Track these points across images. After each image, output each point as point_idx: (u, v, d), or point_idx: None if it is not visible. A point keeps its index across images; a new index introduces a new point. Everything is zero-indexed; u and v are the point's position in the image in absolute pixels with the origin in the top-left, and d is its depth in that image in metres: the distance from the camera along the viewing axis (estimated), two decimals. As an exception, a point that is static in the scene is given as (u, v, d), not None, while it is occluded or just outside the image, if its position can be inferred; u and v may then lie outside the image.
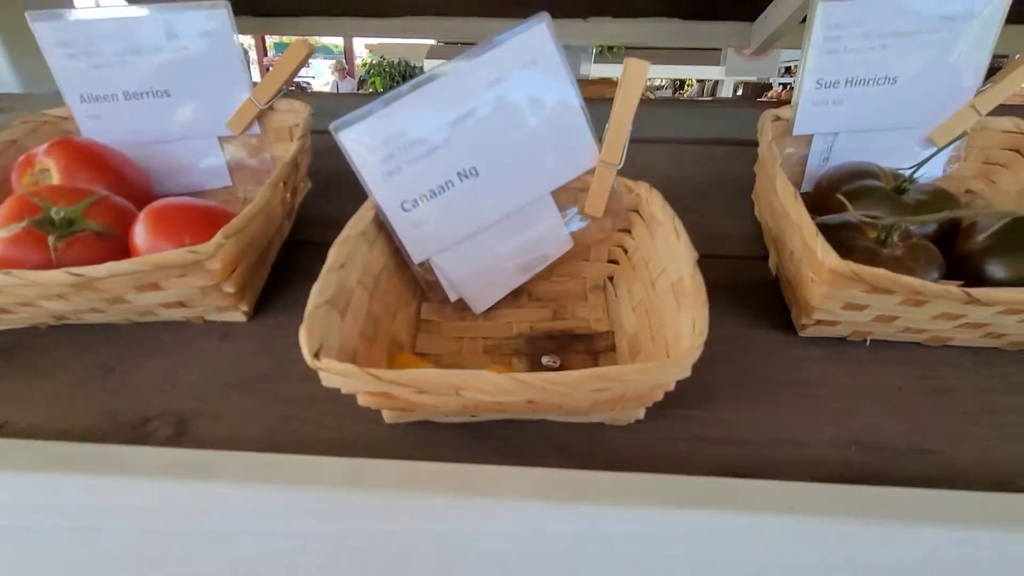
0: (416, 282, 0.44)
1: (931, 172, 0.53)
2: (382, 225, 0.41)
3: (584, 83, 1.23)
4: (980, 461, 0.35)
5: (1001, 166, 0.52)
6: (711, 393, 0.39)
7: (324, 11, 1.22)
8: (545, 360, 0.41)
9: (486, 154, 0.40)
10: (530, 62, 0.38)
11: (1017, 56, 0.49)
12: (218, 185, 0.56)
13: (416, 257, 0.42)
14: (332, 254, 0.35)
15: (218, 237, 0.36)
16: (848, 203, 0.45)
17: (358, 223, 0.39)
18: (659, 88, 6.47)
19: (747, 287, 0.47)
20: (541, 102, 0.40)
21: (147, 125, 0.52)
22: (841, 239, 0.40)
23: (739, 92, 6.29)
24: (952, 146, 0.52)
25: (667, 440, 0.36)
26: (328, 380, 0.29)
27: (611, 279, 0.46)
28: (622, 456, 0.35)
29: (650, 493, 0.31)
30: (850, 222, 0.41)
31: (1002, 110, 0.50)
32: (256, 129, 0.54)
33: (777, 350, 0.42)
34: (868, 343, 0.42)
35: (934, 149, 0.50)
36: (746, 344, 0.42)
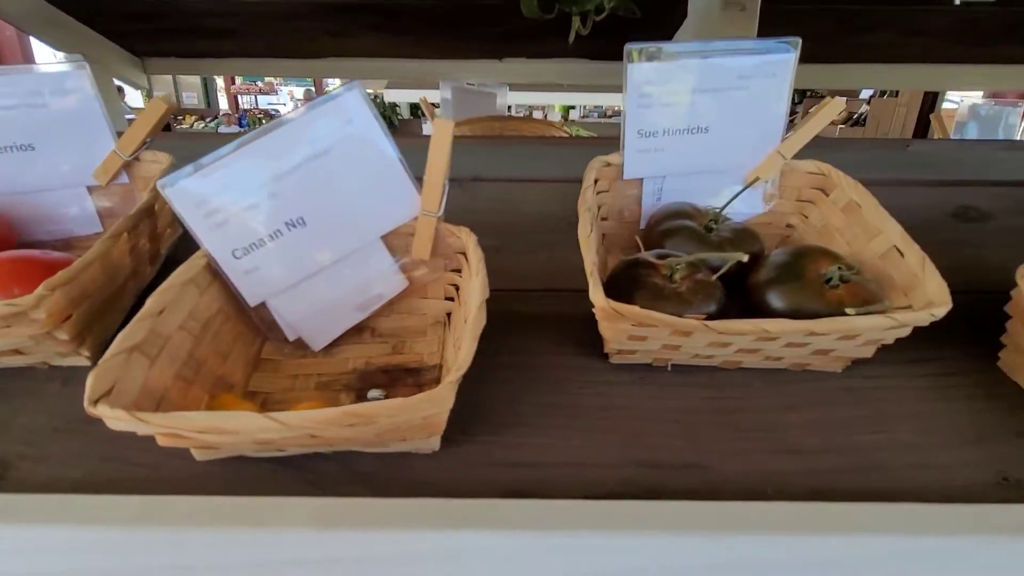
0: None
1: (752, 210, 0.58)
2: (217, 271, 0.44)
3: (501, 120, 1.29)
4: (744, 473, 0.39)
5: (810, 203, 0.57)
6: (518, 419, 0.42)
7: (248, 53, 1.26)
8: (371, 394, 0.44)
9: (312, 206, 0.44)
10: (346, 123, 0.42)
11: (814, 108, 0.55)
12: (90, 231, 0.58)
13: (251, 301, 0.45)
14: (149, 302, 0.38)
15: (41, 289, 0.38)
16: (662, 239, 0.50)
17: (186, 271, 0.42)
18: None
19: (578, 319, 0.51)
20: (360, 158, 0.43)
21: (13, 176, 0.55)
22: (637, 275, 0.45)
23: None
24: (767, 185, 0.58)
25: (465, 465, 0.39)
26: (111, 424, 0.31)
27: (449, 315, 0.50)
28: (420, 482, 0.38)
29: (422, 517, 0.34)
30: (646, 260, 0.45)
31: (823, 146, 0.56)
32: (124, 179, 0.57)
33: (590, 377, 0.46)
34: (669, 368, 0.46)
35: (737, 187, 0.56)
36: (562, 372, 0.46)
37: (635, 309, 0.37)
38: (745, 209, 0.58)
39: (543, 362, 0.47)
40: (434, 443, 0.38)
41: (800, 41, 0.52)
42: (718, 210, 0.52)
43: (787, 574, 0.35)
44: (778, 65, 0.52)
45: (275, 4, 1.14)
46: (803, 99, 4.97)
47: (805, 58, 0.54)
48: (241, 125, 7.11)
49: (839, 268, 0.43)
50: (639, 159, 0.55)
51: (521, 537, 0.33)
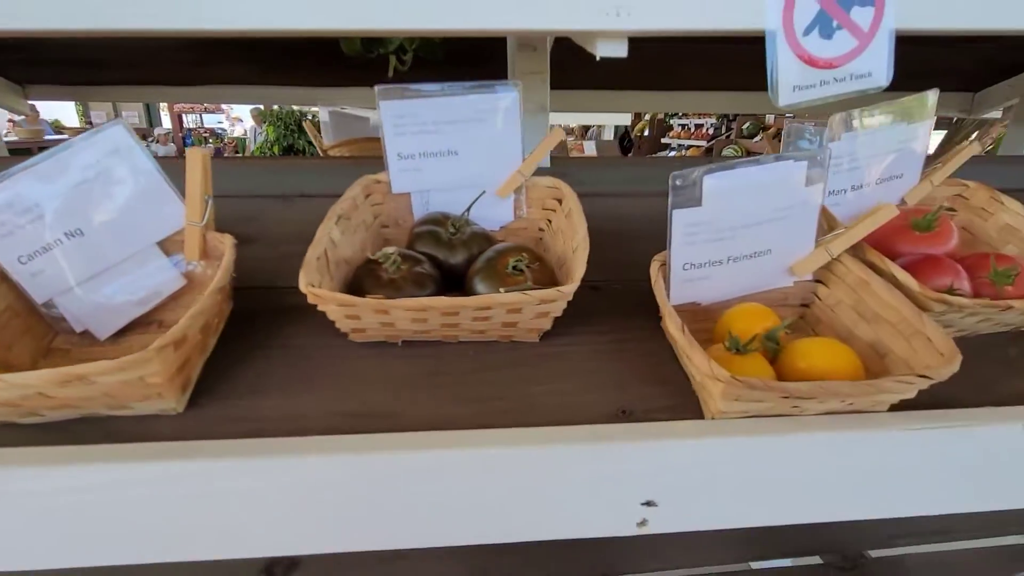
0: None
1: (504, 218, 0.71)
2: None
3: (375, 140, 1.41)
4: (425, 417, 0.50)
5: (552, 211, 0.71)
6: (261, 388, 0.52)
7: (125, 81, 1.33)
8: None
9: (87, 218, 0.53)
10: (113, 151, 0.52)
11: (543, 139, 0.68)
12: None
13: (38, 299, 0.53)
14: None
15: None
16: (413, 242, 0.61)
17: (-28, 274, 0.50)
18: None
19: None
20: (127, 179, 0.53)
21: None
22: (369, 270, 0.56)
23: (646, 132, 6.99)
24: (515, 198, 0.71)
25: (202, 423, 0.49)
26: None
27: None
28: (163, 435, 0.47)
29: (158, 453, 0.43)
30: (374, 258, 0.57)
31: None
32: None
33: (334, 353, 0.56)
34: (400, 344, 0.57)
35: (496, 200, 0.69)
36: (312, 351, 0.56)
37: (333, 294, 0.48)
38: (500, 217, 0.71)
39: (299, 343, 0.57)
40: (169, 404, 0.48)
41: (520, 83, 0.65)
42: (459, 217, 0.65)
43: (457, 478, 0.46)
44: (506, 101, 0.66)
45: (144, 39, 1.22)
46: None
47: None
48: (186, 144, 6.96)
49: (518, 260, 0.56)
50: (402, 177, 0.67)
51: (233, 463, 0.43)
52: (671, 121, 6.99)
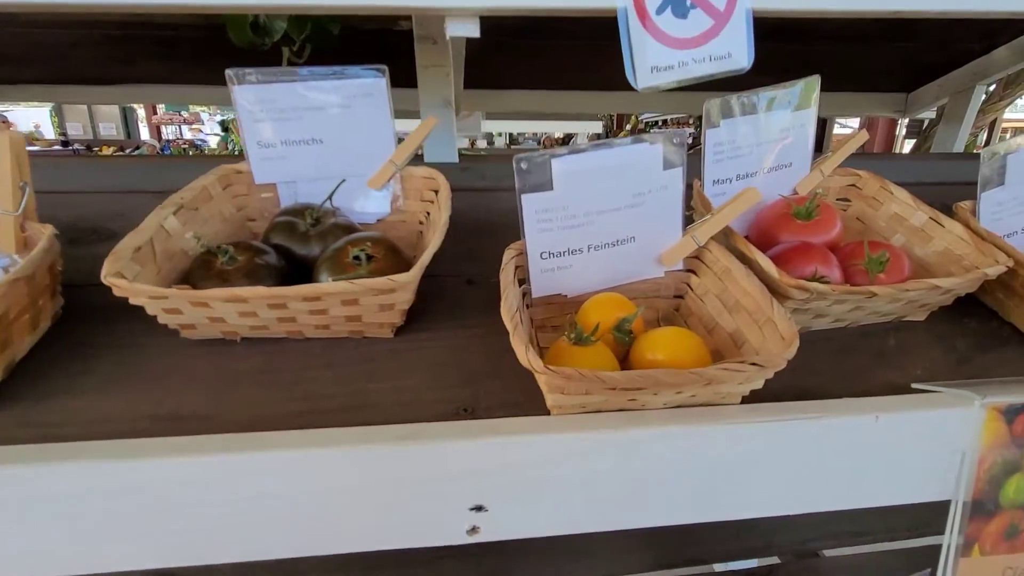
0: None
1: (381, 210, 0.68)
2: None
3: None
4: (247, 419, 0.46)
5: (430, 203, 0.68)
6: (78, 389, 0.48)
7: (37, 79, 1.28)
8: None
9: None
10: (-91, 132, 0.48)
11: (411, 130, 0.65)
12: None
13: None
14: None
15: None
16: (268, 234, 0.58)
17: None
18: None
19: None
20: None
21: None
22: (205, 262, 0.52)
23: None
24: (392, 189, 0.68)
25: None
26: None
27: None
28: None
29: None
30: (212, 249, 0.53)
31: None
32: None
33: (164, 352, 0.52)
34: (239, 340, 0.53)
35: (369, 192, 0.65)
36: (142, 350, 0.52)
37: (136, 285, 0.44)
38: (376, 210, 0.68)
39: (131, 342, 0.53)
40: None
41: (387, 68, 0.63)
42: (320, 207, 0.61)
43: (245, 484, 0.42)
44: (372, 87, 0.63)
45: (58, 33, 1.17)
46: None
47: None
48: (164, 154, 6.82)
49: (361, 249, 0.52)
50: (264, 166, 0.64)
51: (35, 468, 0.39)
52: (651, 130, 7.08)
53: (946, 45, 1.32)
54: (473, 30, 0.53)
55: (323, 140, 0.64)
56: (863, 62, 1.41)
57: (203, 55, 1.20)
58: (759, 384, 0.45)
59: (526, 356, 0.40)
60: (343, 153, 0.65)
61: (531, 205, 0.51)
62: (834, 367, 0.55)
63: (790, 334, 0.43)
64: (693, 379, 0.39)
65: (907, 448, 0.47)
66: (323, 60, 0.87)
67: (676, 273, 0.59)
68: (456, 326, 0.57)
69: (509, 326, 0.43)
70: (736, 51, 0.55)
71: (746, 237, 0.70)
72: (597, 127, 6.14)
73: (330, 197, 0.62)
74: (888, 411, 0.46)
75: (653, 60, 0.53)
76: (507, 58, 1.37)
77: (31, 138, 6.54)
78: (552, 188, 0.51)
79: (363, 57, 1.01)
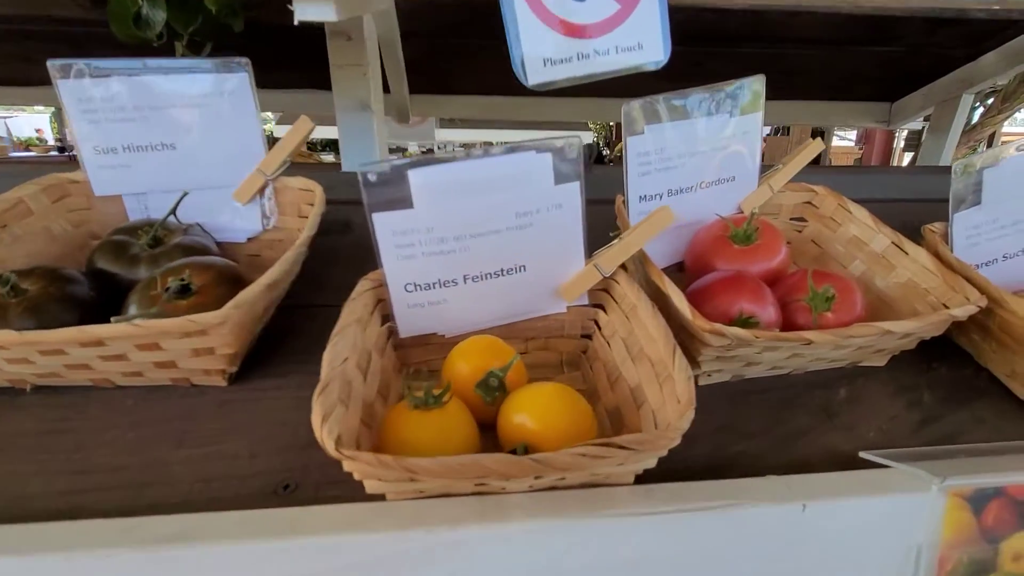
0: None
1: (252, 227, 0.58)
2: None
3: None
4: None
5: (303, 217, 0.58)
6: None
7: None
8: None
9: None
10: None
11: (292, 124, 0.55)
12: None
13: None
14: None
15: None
16: (93, 256, 0.48)
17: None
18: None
19: None
20: None
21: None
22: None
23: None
24: (264, 205, 0.58)
25: None
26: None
27: None
28: None
29: None
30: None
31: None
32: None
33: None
34: (29, 389, 0.43)
35: (238, 207, 0.56)
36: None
37: None
38: (245, 227, 0.58)
39: None
40: None
41: (249, 61, 0.53)
42: (161, 223, 0.51)
43: None
44: (231, 83, 0.53)
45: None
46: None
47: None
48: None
49: (178, 280, 0.42)
50: (104, 175, 0.54)
51: None
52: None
53: (929, 51, 1.23)
54: (328, 13, 0.44)
55: (175, 145, 0.54)
56: (843, 68, 1.31)
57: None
58: (650, 463, 0.35)
59: (320, 431, 0.30)
60: (203, 161, 0.55)
61: (386, 226, 0.41)
62: (769, 428, 0.44)
63: (686, 399, 0.33)
64: (533, 468, 0.29)
65: (846, 544, 0.36)
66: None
67: (582, 308, 0.49)
68: (311, 372, 0.47)
69: (320, 381, 0.33)
70: (648, 42, 0.46)
71: (681, 265, 0.61)
72: (588, 137, 6.06)
73: (173, 211, 0.52)
74: (820, 497, 0.35)
75: (547, 51, 0.44)
76: (461, 61, 1.28)
77: (28, 143, 6.39)
78: (411, 205, 0.41)
79: (274, 57, 0.91)
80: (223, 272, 0.45)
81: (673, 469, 0.37)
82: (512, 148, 0.42)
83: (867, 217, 0.57)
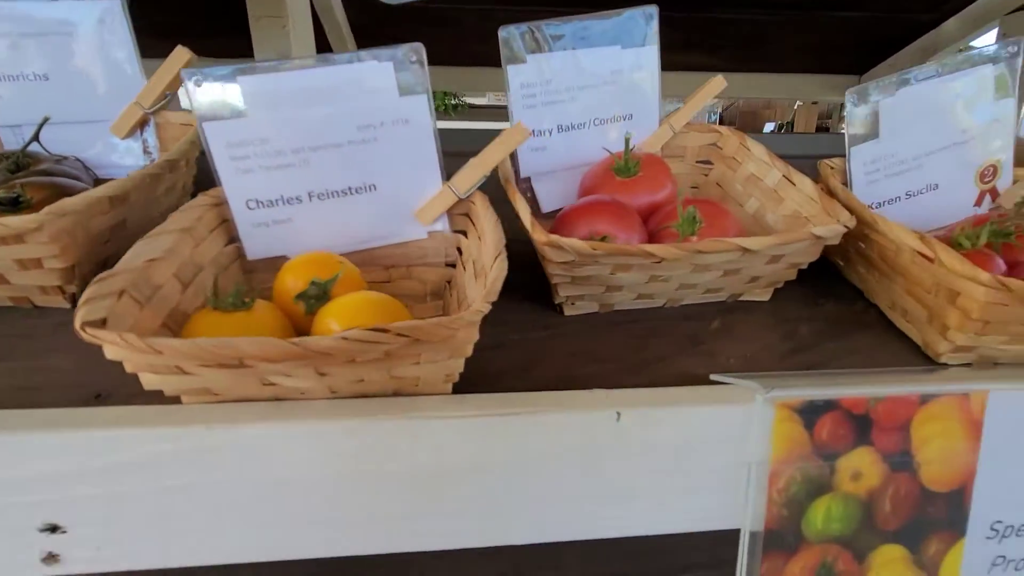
0: None
1: (135, 162, 0.57)
2: None
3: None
4: None
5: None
6: None
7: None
8: None
9: None
10: None
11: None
12: None
13: None
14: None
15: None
16: None
17: None
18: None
19: None
20: None
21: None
22: None
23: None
24: (147, 139, 0.57)
25: None
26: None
27: None
28: None
29: None
30: None
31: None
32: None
33: None
34: None
35: (119, 142, 0.55)
36: None
37: None
38: (129, 162, 0.57)
39: None
40: None
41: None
42: (19, 151, 0.50)
43: None
44: (97, 10, 0.52)
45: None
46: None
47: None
48: None
49: (12, 194, 0.41)
50: (-27, 105, 0.53)
51: None
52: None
53: (896, 17, 1.19)
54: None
55: (48, 76, 0.53)
56: (809, 38, 1.28)
57: None
58: (454, 366, 0.33)
59: (77, 311, 0.28)
60: (79, 92, 0.54)
61: (218, 136, 0.40)
62: (624, 354, 0.43)
63: (485, 292, 0.31)
64: (291, 351, 0.27)
65: (672, 457, 0.35)
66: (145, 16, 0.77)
67: (445, 235, 0.47)
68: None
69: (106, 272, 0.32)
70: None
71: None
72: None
73: (35, 137, 0.51)
74: (639, 405, 0.34)
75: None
76: (415, 27, 1.27)
77: None
78: (245, 115, 0.40)
79: (204, 13, 0.90)
80: (64, 189, 0.44)
81: (511, 387, 0.36)
82: (354, 57, 0.40)
83: (764, 153, 0.55)
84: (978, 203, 0.57)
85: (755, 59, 1.30)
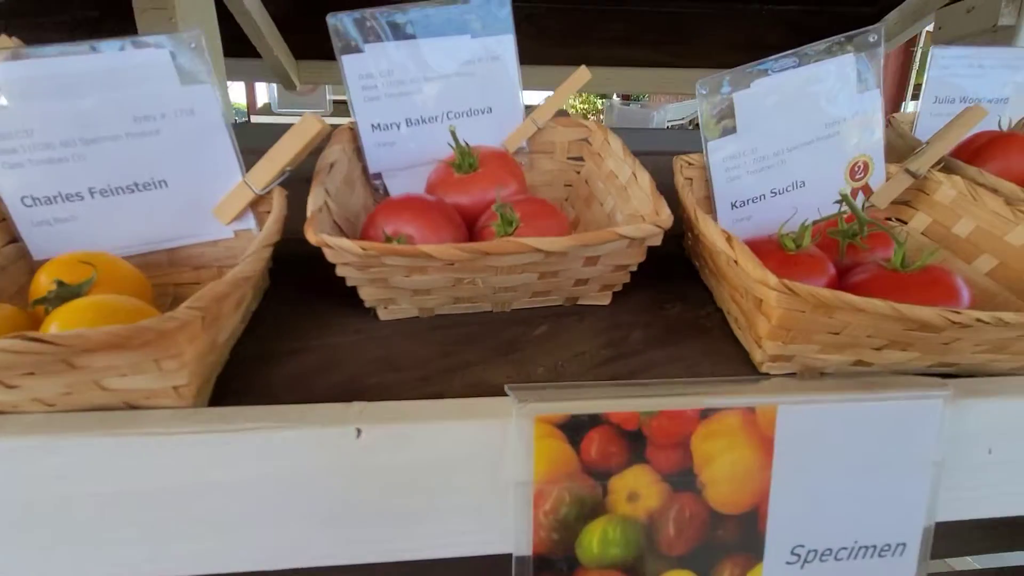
0: None
1: None
2: None
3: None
4: None
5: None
6: None
7: None
8: None
9: None
10: None
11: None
12: None
13: None
14: None
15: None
16: None
17: None
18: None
19: None
20: None
21: None
22: None
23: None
24: None
25: None
26: None
27: None
28: None
29: None
30: None
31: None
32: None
33: None
34: None
35: None
36: None
37: None
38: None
39: None
40: None
41: None
42: None
43: None
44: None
45: None
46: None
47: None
48: None
49: None
50: None
51: None
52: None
53: (831, 11, 1.16)
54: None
55: None
56: (745, 32, 1.25)
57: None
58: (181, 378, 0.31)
59: None
60: None
61: (-22, 127, 0.37)
62: (431, 361, 0.40)
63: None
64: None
65: (419, 479, 0.32)
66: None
67: (253, 234, 0.44)
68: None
69: None
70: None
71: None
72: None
73: None
74: (384, 421, 0.31)
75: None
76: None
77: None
78: (3, 105, 0.37)
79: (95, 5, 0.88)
80: None
81: (283, 398, 0.34)
82: (127, 42, 0.38)
83: (620, 149, 0.52)
84: (851, 201, 0.54)
85: (689, 54, 1.27)
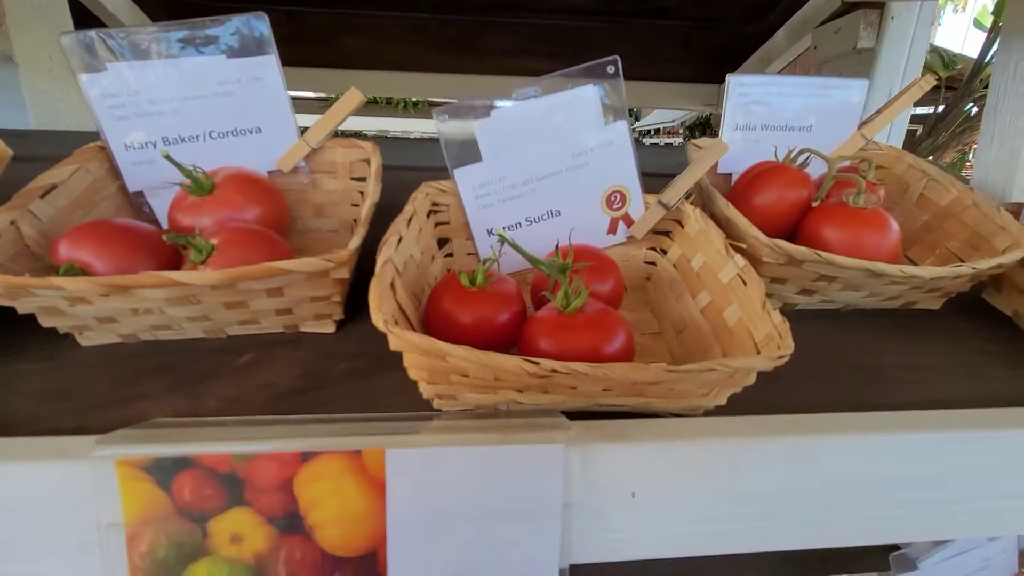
0: None
1: None
2: None
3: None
4: None
5: None
6: None
7: None
8: None
9: None
10: None
11: None
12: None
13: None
14: None
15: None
16: None
17: None
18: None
19: None
20: None
21: None
22: None
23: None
24: None
25: None
26: None
27: None
28: None
29: None
30: None
31: None
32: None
33: None
34: None
35: None
36: None
37: None
38: None
39: None
40: None
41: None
42: None
43: None
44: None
45: None
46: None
47: None
48: None
49: None
50: None
51: None
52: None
53: (724, 27, 1.16)
54: None
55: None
56: (672, 49, 1.24)
57: None
58: None
59: None
60: None
61: None
62: (104, 392, 0.39)
63: None
64: None
65: (12, 521, 0.32)
66: None
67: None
68: None
69: None
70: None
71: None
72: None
73: None
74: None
75: None
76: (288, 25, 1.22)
77: None
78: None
79: None
80: None
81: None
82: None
83: (376, 169, 0.52)
84: (612, 231, 0.54)
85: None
